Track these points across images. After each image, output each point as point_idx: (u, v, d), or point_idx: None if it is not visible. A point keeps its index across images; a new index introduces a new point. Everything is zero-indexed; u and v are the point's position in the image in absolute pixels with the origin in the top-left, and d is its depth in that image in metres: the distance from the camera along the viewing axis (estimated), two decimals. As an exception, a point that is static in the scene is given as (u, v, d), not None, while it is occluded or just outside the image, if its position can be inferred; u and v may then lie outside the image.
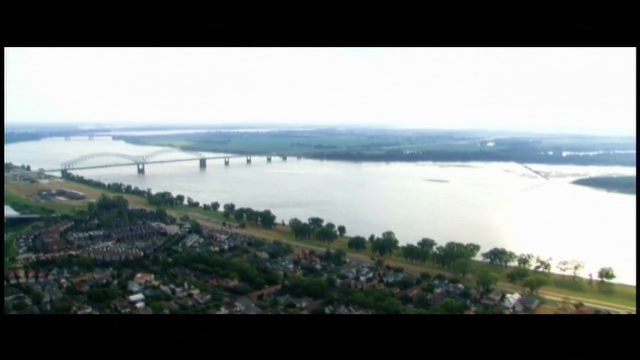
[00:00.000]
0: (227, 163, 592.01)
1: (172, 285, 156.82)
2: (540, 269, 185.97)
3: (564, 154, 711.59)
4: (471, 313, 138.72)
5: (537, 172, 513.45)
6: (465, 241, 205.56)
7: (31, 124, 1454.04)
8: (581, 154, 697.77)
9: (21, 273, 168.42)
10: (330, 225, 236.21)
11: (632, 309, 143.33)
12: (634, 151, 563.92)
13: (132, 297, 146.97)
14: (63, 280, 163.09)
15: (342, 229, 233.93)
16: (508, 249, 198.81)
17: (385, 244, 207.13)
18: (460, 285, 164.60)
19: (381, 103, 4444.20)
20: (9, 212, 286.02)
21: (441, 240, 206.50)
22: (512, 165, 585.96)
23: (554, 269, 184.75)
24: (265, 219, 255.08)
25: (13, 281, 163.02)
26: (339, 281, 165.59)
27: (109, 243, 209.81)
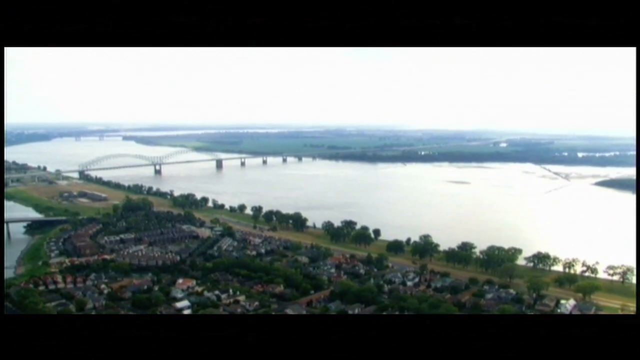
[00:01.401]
0: (243, 164, 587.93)
1: (216, 292, 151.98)
2: (587, 274, 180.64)
3: (580, 155, 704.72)
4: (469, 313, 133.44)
5: (556, 174, 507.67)
6: (501, 244, 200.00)
7: (39, 124, 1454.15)
8: (597, 155, 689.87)
9: (59, 278, 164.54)
10: (365, 228, 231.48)
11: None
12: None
13: (178, 304, 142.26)
14: (103, 286, 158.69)
15: (376, 232, 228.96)
16: (542, 252, 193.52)
17: (426, 248, 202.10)
18: (512, 291, 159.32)
19: (386, 103, 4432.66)
20: (32, 214, 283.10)
21: (477, 244, 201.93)
22: (529, 167, 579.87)
23: (601, 274, 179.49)
24: (297, 222, 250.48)
25: (52, 286, 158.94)
26: (387, 287, 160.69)
27: (142, 247, 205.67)
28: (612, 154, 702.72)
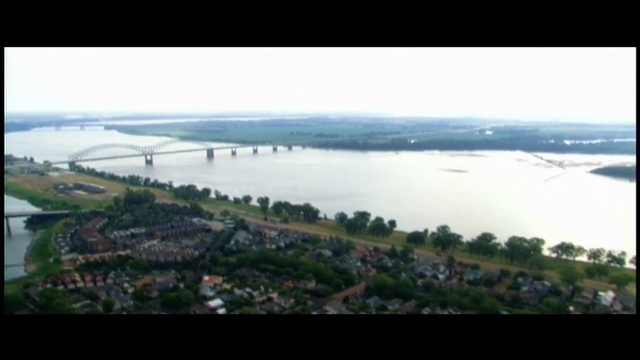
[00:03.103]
0: (234, 153, 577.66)
1: (247, 289, 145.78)
2: (612, 264, 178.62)
3: (567, 142, 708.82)
4: (472, 313, 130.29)
5: (550, 162, 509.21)
6: (516, 234, 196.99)
7: (14, 113, 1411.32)
8: (585, 142, 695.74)
9: (77, 276, 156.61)
10: (380, 220, 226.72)
11: None
12: (634, 139, 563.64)
13: (212, 303, 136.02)
14: (126, 285, 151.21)
15: (392, 223, 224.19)
16: (565, 242, 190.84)
17: (448, 239, 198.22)
18: (547, 283, 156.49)
19: (366, 91, 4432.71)
20: (29, 208, 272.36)
21: (493, 234, 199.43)
22: (520, 154, 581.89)
23: (627, 264, 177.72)
24: (308, 213, 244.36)
25: (71, 286, 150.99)
26: (419, 280, 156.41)
27: (155, 242, 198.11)
28: (598, 141, 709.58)
